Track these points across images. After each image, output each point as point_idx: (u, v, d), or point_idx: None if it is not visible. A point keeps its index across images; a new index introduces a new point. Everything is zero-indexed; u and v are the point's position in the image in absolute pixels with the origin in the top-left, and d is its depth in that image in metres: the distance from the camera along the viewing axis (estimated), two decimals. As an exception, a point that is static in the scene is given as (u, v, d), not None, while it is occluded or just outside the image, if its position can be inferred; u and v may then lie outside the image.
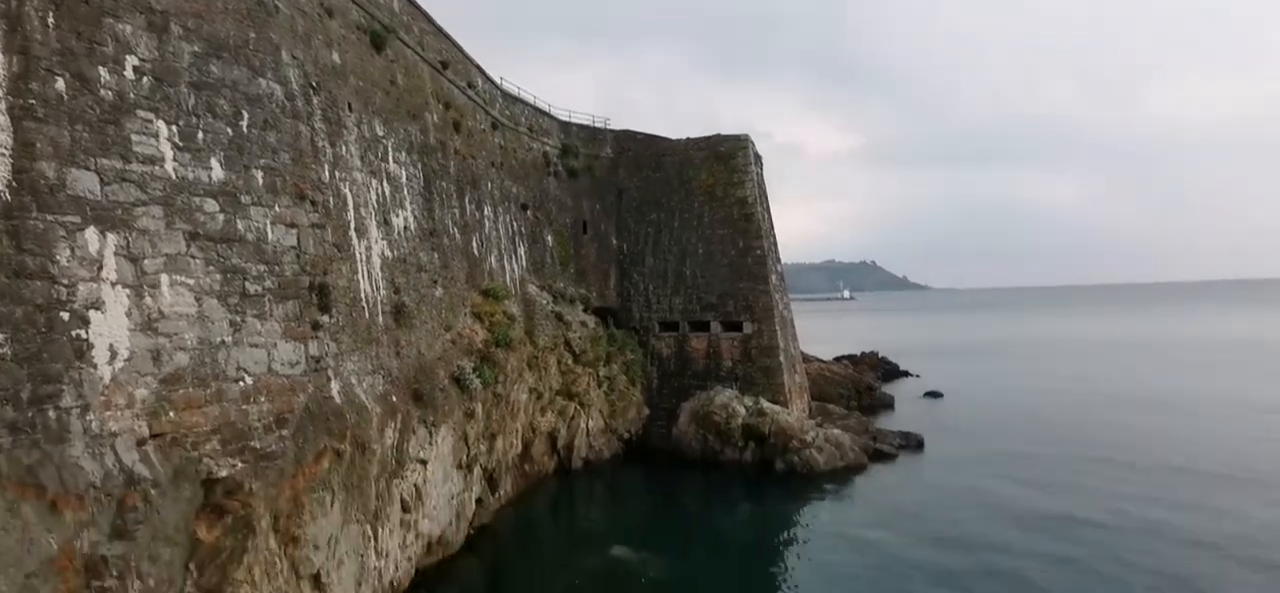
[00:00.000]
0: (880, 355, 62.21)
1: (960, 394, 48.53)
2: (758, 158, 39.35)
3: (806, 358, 45.57)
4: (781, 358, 34.67)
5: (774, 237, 39.00)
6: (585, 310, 34.50)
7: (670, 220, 37.72)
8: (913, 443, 33.08)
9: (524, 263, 31.98)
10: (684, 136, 38.72)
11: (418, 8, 22.93)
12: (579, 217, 37.34)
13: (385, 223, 18.55)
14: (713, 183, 37.16)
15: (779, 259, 39.79)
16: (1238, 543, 19.26)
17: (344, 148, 16.41)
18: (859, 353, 63.19)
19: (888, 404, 44.55)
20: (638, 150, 39.11)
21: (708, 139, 38.10)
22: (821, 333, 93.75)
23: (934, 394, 48.70)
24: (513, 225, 31.42)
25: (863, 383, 47.13)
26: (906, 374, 58.99)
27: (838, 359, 56.90)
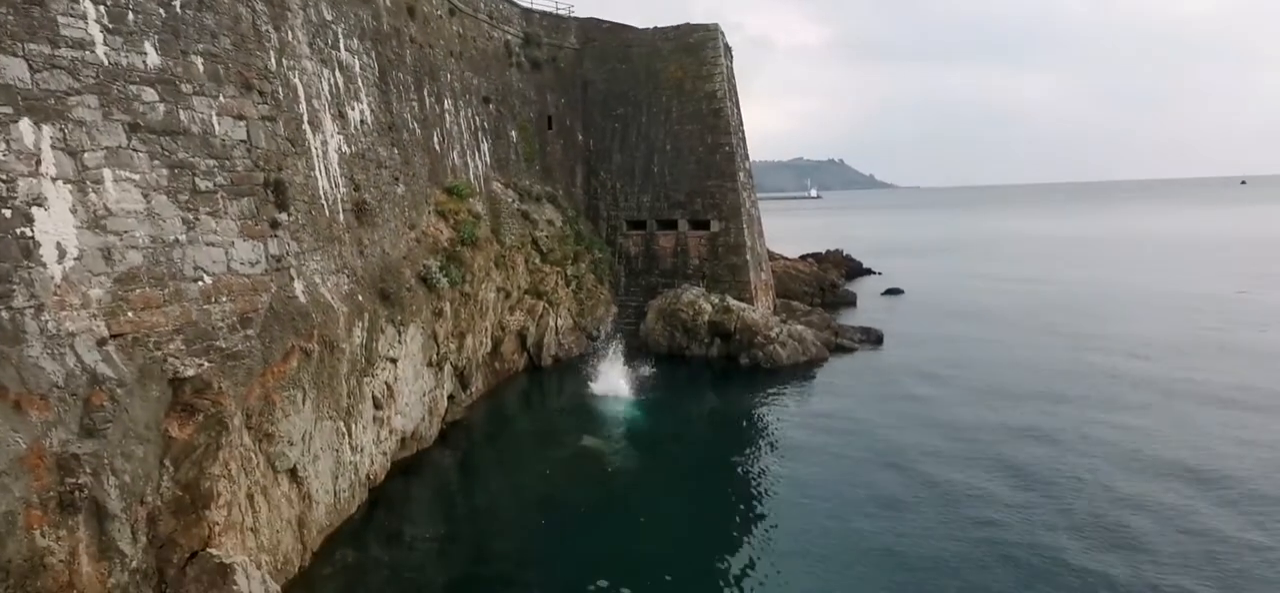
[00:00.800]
0: (845, 254, 63.25)
1: (920, 291, 49.91)
2: (728, 50, 38.33)
3: (773, 256, 46.13)
4: (748, 256, 35.04)
5: (743, 133, 38.54)
6: (553, 207, 34.14)
7: (638, 115, 36.92)
8: (872, 338, 34.20)
9: (488, 159, 31.24)
10: (652, 26, 37.42)
11: (364, -121, 21.22)
12: (543, 111, 36.31)
13: (340, 116, 17.82)
14: (682, 76, 36.24)
15: (747, 157, 39.49)
16: (1161, 447, 20.37)
17: (289, 33, 15.51)
18: (824, 251, 64.12)
19: (850, 301, 45.68)
20: (603, 41, 37.73)
21: (677, 29, 36.88)
22: (788, 231, 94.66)
23: (895, 291, 50.01)
24: (475, 120, 30.46)
25: (827, 280, 48.08)
26: (870, 272, 60.24)
27: (804, 257, 57.73)
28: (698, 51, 36.17)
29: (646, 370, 28.45)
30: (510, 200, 31.24)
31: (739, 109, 38.77)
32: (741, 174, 36.67)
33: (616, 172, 37.38)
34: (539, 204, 33.34)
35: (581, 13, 38.46)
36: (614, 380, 26.72)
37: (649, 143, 36.69)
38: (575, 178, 37.59)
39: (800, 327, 32.46)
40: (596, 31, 37.95)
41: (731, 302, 32.63)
